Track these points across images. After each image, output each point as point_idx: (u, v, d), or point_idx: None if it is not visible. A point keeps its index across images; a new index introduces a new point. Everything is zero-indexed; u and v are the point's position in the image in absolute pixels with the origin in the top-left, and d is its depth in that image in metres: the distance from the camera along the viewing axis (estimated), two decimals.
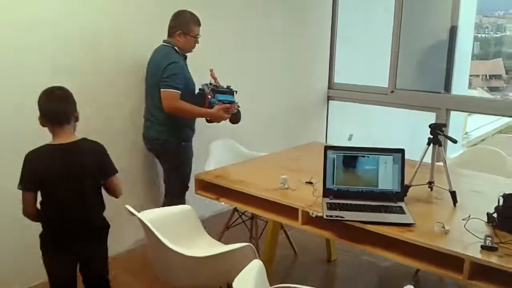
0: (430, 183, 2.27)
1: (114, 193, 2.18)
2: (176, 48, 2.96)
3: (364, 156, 2.20)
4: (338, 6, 4.88)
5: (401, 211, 2.04)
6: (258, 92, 4.19)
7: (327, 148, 2.23)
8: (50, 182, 1.98)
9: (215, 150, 3.17)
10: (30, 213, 2.03)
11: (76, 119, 2.07)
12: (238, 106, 3.05)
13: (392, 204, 2.12)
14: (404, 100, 4.52)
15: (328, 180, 2.21)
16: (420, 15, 4.84)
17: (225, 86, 3.08)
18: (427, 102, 4.36)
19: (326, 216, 2.00)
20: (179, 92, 2.85)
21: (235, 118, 3.06)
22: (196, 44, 3.04)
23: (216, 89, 3.02)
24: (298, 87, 4.71)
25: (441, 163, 2.21)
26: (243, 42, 4.01)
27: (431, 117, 4.47)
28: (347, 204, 2.11)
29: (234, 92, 3.07)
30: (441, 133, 2.18)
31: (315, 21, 4.74)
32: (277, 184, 2.38)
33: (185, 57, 3.04)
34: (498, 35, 7.05)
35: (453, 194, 2.15)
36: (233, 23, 3.89)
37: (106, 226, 2.19)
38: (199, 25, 3.00)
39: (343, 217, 1.98)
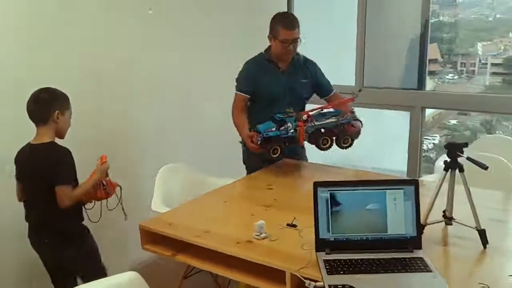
0: (449, 219, 1.76)
1: (59, 202, 2.08)
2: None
3: (366, 193, 1.66)
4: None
5: (424, 266, 1.52)
6: (202, 97, 3.56)
7: (317, 185, 1.66)
8: (21, 178, 2.16)
9: (161, 180, 2.54)
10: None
11: (55, 121, 2.08)
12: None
13: (409, 254, 1.59)
14: (374, 99, 4.04)
15: (321, 228, 1.65)
16: (387, 8, 4.39)
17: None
18: (400, 100, 3.92)
19: (329, 286, 1.44)
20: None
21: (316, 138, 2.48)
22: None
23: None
24: None
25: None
26: (178, 43, 3.38)
27: (404, 117, 4.05)
28: (351, 261, 1.56)
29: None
30: (463, 156, 1.67)
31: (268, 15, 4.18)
32: (250, 232, 1.80)
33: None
34: (432, 21, 6.89)
35: (482, 234, 1.65)
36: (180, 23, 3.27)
37: (71, 231, 2.19)
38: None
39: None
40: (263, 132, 2.37)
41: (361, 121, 2.58)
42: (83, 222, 2.25)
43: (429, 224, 1.72)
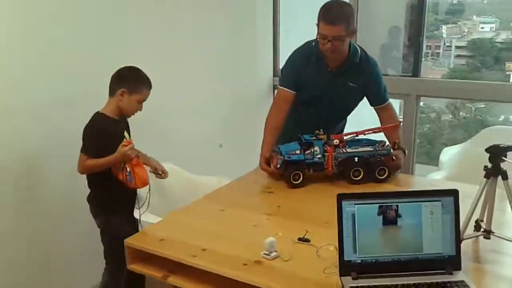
0: (488, 232, 1.54)
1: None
2: None
3: (399, 206, 1.41)
4: None
5: None
6: (190, 90, 3.25)
7: (341, 197, 1.40)
8: None
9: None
10: None
11: (118, 98, 2.10)
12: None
13: (448, 277, 1.36)
14: None
15: (347, 248, 1.39)
16: None
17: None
18: (394, 87, 3.68)
19: None
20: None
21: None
22: None
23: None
24: (239, 78, 3.82)
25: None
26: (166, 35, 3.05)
27: (396, 105, 3.84)
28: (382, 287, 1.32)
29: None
30: (509, 161, 1.44)
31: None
32: (256, 249, 1.53)
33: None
34: None
35: None
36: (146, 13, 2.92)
37: (90, 198, 2.21)
38: None
39: None
40: (285, 154, 2.06)
41: (405, 152, 2.25)
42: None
43: (465, 239, 1.49)
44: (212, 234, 1.70)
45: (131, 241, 1.65)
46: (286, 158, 2.05)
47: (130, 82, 2.11)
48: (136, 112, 2.18)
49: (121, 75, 2.12)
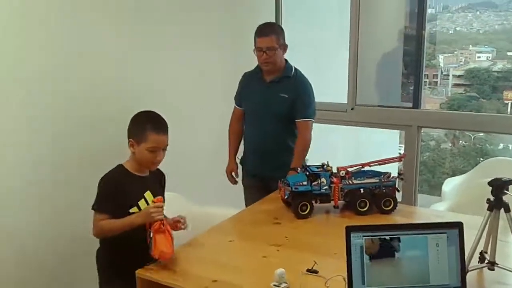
0: (492, 264, 1.57)
1: None
2: None
3: (406, 238, 1.45)
4: (281, 13, 4.12)
5: None
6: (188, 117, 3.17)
7: (350, 229, 1.45)
8: None
9: None
10: None
11: (131, 147, 1.92)
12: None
13: None
14: (367, 117, 3.88)
15: (355, 281, 1.43)
16: (374, 20, 4.25)
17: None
18: (395, 119, 3.76)
19: None
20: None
21: None
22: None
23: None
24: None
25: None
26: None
27: (396, 135, 3.92)
28: None
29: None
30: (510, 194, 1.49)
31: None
32: (266, 280, 1.57)
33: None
34: None
35: None
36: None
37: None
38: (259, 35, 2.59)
39: None
40: (293, 185, 2.11)
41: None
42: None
43: (470, 270, 1.53)
44: (222, 265, 1.73)
45: (143, 271, 1.68)
46: (293, 189, 2.09)
47: (132, 130, 1.93)
48: (156, 163, 1.93)
49: (130, 123, 1.95)
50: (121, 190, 1.87)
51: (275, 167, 2.53)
